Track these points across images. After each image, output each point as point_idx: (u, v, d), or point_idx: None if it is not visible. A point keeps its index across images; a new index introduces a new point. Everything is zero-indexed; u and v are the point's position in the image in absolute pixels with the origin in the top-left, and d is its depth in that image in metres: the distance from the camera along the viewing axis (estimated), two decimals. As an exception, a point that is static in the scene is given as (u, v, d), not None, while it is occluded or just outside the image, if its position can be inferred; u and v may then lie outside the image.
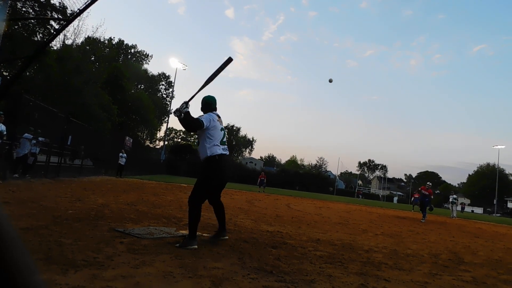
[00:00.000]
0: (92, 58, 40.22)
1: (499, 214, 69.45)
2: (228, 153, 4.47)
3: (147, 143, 62.86)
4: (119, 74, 39.43)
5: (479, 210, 76.89)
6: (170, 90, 67.26)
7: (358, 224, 9.80)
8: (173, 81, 61.61)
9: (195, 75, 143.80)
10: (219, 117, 4.56)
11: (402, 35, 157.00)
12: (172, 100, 63.75)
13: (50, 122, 13.55)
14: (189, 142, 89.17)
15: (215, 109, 4.68)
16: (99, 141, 21.47)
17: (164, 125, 59.83)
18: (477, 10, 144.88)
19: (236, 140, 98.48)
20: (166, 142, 64.36)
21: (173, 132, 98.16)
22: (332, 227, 8.04)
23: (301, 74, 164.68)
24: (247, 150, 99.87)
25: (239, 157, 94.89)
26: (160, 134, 68.62)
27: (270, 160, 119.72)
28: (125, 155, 22.13)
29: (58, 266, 2.65)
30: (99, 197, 8.29)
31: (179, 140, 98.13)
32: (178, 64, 51.04)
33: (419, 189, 16.81)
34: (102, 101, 30.29)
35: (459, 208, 46.06)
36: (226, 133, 4.62)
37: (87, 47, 38.24)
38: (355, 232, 7.56)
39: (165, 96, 68.23)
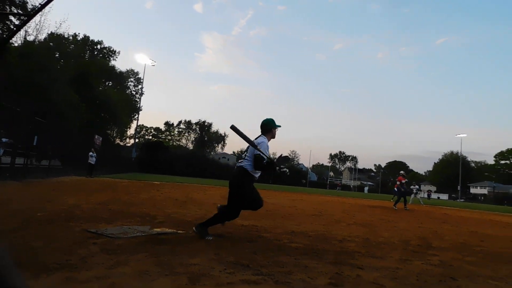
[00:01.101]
0: (57, 55, 38.82)
1: (463, 200, 72.57)
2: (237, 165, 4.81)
3: (118, 141, 61.37)
4: (85, 71, 38.23)
5: (444, 197, 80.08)
6: (139, 86, 65.77)
7: (332, 215, 10.00)
8: (142, 78, 60.32)
9: (164, 71, 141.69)
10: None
11: (369, 28, 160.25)
12: (142, 97, 62.47)
13: (14, 122, 13.02)
14: (161, 139, 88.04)
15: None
16: (67, 140, 20.83)
17: (135, 122, 58.59)
18: (440, 5, 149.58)
19: (208, 136, 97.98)
20: (137, 140, 63.24)
21: (144, 129, 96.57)
22: (307, 219, 8.17)
23: (272, 68, 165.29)
24: (220, 145, 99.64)
25: (212, 153, 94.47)
26: (131, 131, 67.18)
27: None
28: (95, 154, 21.60)
29: (29, 271, 2.58)
30: (69, 198, 8.08)
31: (150, 137, 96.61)
32: (146, 60, 50.29)
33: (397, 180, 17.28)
34: (69, 99, 29.31)
35: (425, 195, 47.69)
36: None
37: (51, 44, 36.85)
38: (328, 223, 7.72)
39: (134, 92, 66.68)
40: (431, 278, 3.47)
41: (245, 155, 4.73)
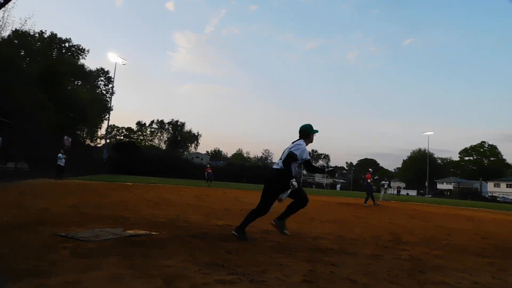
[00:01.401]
0: (22, 53, 37.45)
1: (430, 195, 75.11)
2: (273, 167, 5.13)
3: (88, 142, 59.82)
4: (53, 69, 37.01)
5: (413, 193, 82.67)
6: (110, 86, 64.42)
7: (305, 212, 10.11)
8: (112, 77, 59.05)
9: (135, 70, 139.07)
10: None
11: (340, 29, 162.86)
12: (112, 96, 61.11)
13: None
14: (133, 139, 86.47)
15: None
16: (35, 142, 20.12)
17: (105, 122, 57.22)
18: (406, 7, 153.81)
19: (181, 135, 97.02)
20: (108, 140, 61.83)
21: (115, 129, 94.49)
22: (281, 217, 8.22)
23: (246, 68, 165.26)
24: (193, 145, 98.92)
25: (185, 153, 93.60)
26: (101, 132, 65.66)
27: (216, 154, 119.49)
28: (64, 155, 20.95)
29: (-4, 278, 2.49)
30: (38, 201, 7.82)
31: (122, 137, 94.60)
32: (117, 59, 49.11)
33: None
34: (35, 98, 28.32)
35: (395, 191, 49.09)
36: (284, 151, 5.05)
37: (15, 41, 35.53)
38: (302, 221, 7.81)
39: (105, 92, 65.21)
40: (402, 272, 3.58)
41: (281, 157, 5.00)
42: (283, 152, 5.05)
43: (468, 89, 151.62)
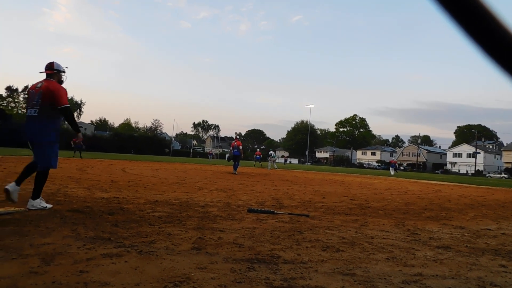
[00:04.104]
0: None
1: (309, 163, 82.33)
2: None
3: None
4: None
5: (295, 161, 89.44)
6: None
7: (194, 182, 10.24)
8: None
9: (4, 28, 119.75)
10: None
11: (232, 0, 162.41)
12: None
13: None
14: (1, 107, 75.12)
15: None
16: None
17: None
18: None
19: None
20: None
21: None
22: (170, 188, 8.21)
23: (133, 32, 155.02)
24: (75, 114, 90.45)
25: (65, 123, 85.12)
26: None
27: (102, 124, 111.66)
28: None
29: None
30: None
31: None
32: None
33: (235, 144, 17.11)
34: None
35: (282, 160, 52.52)
36: None
37: None
38: (191, 190, 7.91)
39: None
40: (282, 233, 3.93)
41: None
42: None
43: (343, 67, 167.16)
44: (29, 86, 4.92)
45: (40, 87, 4.68)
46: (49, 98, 4.59)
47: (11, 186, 4.41)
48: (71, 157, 22.60)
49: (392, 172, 31.91)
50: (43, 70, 4.87)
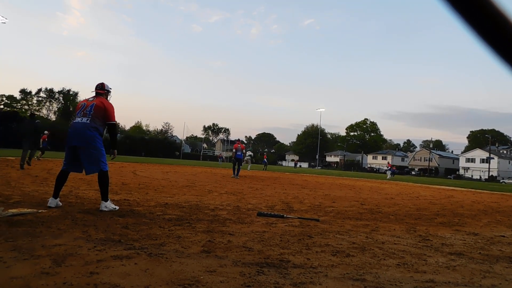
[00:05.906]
0: None
1: (320, 167, 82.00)
2: None
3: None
4: None
5: (305, 165, 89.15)
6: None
7: (204, 185, 10.27)
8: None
9: (19, 30, 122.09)
10: None
11: (244, 4, 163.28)
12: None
13: None
14: (15, 109, 76.46)
15: None
16: None
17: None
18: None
19: (73, 106, 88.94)
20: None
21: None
22: (180, 190, 8.24)
23: (146, 36, 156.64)
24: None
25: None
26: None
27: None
28: None
29: None
30: None
31: (2, 106, 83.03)
32: (-5, 16, 42.26)
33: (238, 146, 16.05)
34: None
35: (292, 164, 52.41)
36: None
37: None
38: (201, 193, 7.93)
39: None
40: (292, 238, 3.91)
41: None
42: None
43: (354, 72, 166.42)
44: (80, 100, 5.77)
45: (92, 101, 5.11)
46: (101, 111, 5.01)
47: (51, 202, 4.82)
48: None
49: (388, 175, 31.68)
50: (94, 89, 5.32)
